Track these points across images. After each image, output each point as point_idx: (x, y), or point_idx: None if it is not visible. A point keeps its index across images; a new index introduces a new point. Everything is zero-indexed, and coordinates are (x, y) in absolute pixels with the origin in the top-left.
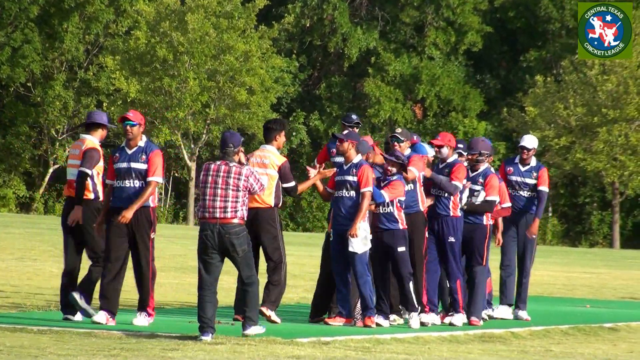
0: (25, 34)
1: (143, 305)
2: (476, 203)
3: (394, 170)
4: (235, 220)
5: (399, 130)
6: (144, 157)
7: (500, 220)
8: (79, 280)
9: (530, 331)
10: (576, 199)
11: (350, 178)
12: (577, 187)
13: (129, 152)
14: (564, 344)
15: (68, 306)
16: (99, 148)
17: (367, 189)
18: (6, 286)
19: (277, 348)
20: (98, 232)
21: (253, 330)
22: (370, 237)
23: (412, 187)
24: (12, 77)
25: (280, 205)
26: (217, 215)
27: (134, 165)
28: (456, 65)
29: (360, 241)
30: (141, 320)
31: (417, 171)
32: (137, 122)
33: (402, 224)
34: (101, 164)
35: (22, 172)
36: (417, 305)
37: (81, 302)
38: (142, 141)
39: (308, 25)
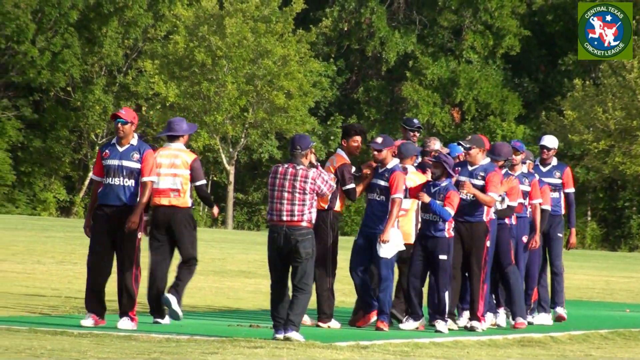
0: (65, 39)
1: (125, 309)
2: (499, 209)
3: (438, 172)
4: (303, 223)
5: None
6: (136, 155)
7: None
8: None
9: (570, 335)
10: (615, 203)
11: (382, 182)
12: (616, 191)
13: (120, 149)
14: (603, 348)
15: (158, 310)
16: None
17: (397, 195)
18: (47, 290)
19: (316, 352)
20: (87, 233)
21: (294, 335)
22: (401, 243)
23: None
24: (52, 81)
25: (334, 208)
26: (284, 218)
27: (125, 163)
28: (494, 68)
29: (390, 247)
30: (125, 323)
31: (497, 195)
32: (128, 120)
33: (448, 232)
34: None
35: (63, 176)
36: (446, 314)
37: (174, 305)
38: (134, 139)
39: (346, 29)
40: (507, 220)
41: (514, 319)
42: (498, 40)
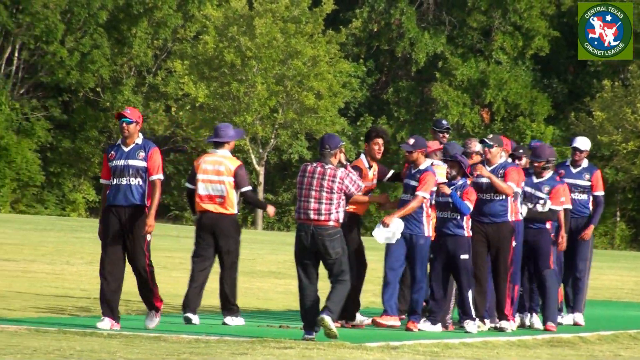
0: (95, 39)
1: (151, 304)
2: (540, 211)
3: (454, 172)
4: (330, 223)
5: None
6: (142, 154)
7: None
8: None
9: (599, 336)
10: None
11: (413, 183)
12: None
13: (126, 149)
14: (632, 348)
15: (194, 311)
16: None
17: (421, 193)
18: (76, 290)
19: (346, 352)
20: (101, 238)
21: (327, 318)
22: (399, 236)
23: (504, 197)
24: (82, 82)
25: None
26: (312, 216)
27: (131, 162)
28: (523, 69)
29: (385, 232)
30: (152, 321)
31: (516, 186)
32: (134, 119)
33: (467, 231)
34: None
35: (92, 176)
36: (473, 314)
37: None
38: (139, 139)
39: (375, 29)
40: (548, 225)
41: (545, 322)
42: (527, 41)
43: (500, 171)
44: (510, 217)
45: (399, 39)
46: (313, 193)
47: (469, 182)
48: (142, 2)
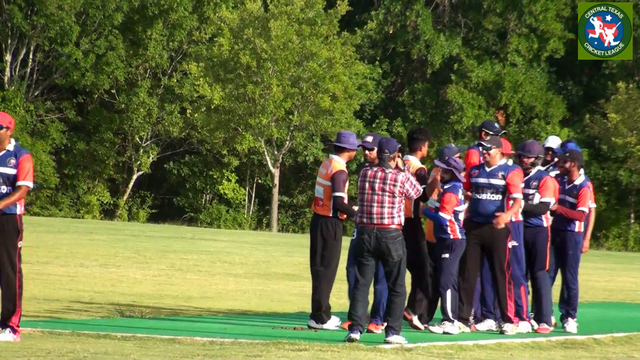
0: (110, 41)
1: (5, 321)
2: (532, 204)
3: (447, 177)
4: (393, 226)
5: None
6: (13, 161)
7: (589, 226)
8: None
9: (613, 337)
10: None
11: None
12: None
13: None
14: None
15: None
16: (345, 169)
17: (517, 195)
18: (90, 292)
19: (360, 354)
20: None
21: (395, 338)
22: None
23: (499, 196)
24: (97, 84)
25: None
26: (375, 221)
27: (2, 170)
28: (539, 71)
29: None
30: (6, 336)
31: (520, 194)
32: (4, 125)
33: (453, 234)
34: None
35: (106, 178)
36: (450, 315)
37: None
38: (10, 145)
39: (391, 31)
40: (545, 222)
41: (538, 324)
42: (543, 44)
43: (501, 173)
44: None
45: (415, 41)
46: (375, 197)
47: (456, 185)
48: (158, 4)
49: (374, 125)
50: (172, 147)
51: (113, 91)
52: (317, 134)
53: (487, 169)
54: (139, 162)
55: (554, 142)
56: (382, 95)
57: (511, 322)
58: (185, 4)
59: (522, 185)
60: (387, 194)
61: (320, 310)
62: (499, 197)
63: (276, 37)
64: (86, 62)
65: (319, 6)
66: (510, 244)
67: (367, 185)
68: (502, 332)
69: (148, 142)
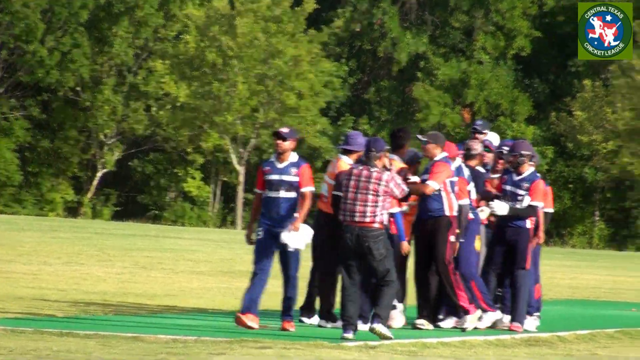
0: (75, 39)
1: None
2: (519, 208)
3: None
4: (375, 225)
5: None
6: None
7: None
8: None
9: (576, 335)
10: (623, 203)
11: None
12: (624, 191)
13: None
14: (610, 347)
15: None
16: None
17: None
18: (53, 290)
19: (324, 352)
20: None
21: (379, 326)
22: (308, 241)
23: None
24: (61, 81)
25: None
26: (357, 219)
27: None
28: (505, 69)
29: (296, 236)
30: None
31: (435, 183)
32: None
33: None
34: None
35: (70, 176)
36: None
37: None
38: None
39: (358, 29)
40: (528, 224)
41: (511, 322)
42: (509, 41)
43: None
44: (449, 212)
45: (381, 38)
46: (359, 196)
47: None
48: (124, 1)
49: (339, 123)
50: (136, 144)
51: (78, 89)
52: None
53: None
54: (103, 160)
55: (493, 139)
56: (348, 93)
57: (467, 311)
58: (151, 1)
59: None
60: (370, 192)
61: (331, 310)
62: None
63: (242, 35)
64: (51, 59)
65: (285, 4)
66: (452, 238)
67: (351, 183)
68: (463, 330)
69: (113, 140)
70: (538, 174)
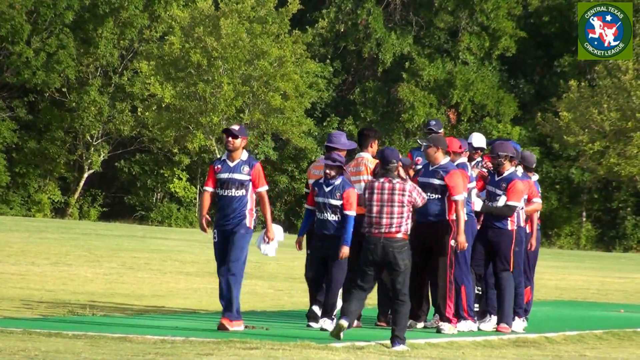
0: (60, 40)
1: None
2: (493, 206)
3: (332, 173)
4: (399, 235)
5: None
6: None
7: (534, 225)
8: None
9: (565, 336)
10: (610, 204)
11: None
12: (611, 191)
13: None
14: (598, 348)
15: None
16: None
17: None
18: (41, 291)
19: (312, 353)
20: None
21: (400, 347)
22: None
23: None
24: (47, 82)
25: None
26: (383, 230)
27: None
28: (490, 70)
29: (274, 245)
30: None
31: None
32: None
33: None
34: None
35: (57, 177)
36: (333, 312)
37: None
38: None
39: (342, 30)
40: (510, 225)
41: (498, 323)
42: (494, 42)
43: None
44: (449, 217)
45: (366, 39)
46: (385, 209)
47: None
48: (109, 2)
49: (324, 124)
50: (123, 145)
51: (64, 90)
52: (268, 132)
53: (430, 168)
54: (89, 161)
55: (479, 140)
56: (333, 93)
57: (450, 321)
58: (136, 2)
59: (490, 186)
60: (396, 204)
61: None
62: (438, 196)
63: (227, 36)
64: (37, 60)
65: (270, 4)
66: (452, 242)
67: (375, 197)
68: (438, 331)
69: (99, 141)
70: (518, 174)
